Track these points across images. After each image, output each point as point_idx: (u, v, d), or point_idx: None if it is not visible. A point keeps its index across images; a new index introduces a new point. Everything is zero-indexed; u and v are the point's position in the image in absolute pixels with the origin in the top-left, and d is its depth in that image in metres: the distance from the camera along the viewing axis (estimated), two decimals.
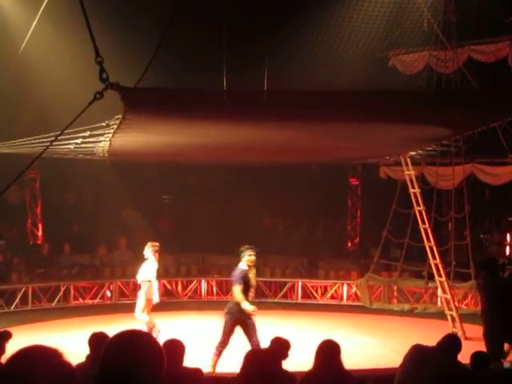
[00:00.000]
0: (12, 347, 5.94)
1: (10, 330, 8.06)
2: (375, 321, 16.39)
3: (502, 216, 19.92)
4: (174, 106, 8.99)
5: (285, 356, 6.88)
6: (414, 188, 15.28)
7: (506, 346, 10.39)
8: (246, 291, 10.72)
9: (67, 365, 2.43)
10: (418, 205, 15.18)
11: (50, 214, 20.25)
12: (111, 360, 2.53)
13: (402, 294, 18.20)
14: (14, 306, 17.00)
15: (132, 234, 19.82)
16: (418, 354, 6.66)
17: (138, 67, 7.34)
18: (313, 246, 20.82)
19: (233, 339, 10.75)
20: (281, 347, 6.92)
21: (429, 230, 15.08)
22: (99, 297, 18.38)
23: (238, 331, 10.79)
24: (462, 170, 17.12)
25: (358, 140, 12.65)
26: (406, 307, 17.69)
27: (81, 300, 18.22)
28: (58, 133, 7.27)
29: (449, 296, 14.95)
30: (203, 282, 19.38)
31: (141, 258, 13.16)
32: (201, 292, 19.34)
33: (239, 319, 10.60)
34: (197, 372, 6.47)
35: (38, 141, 11.16)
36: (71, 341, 11.46)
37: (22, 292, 17.21)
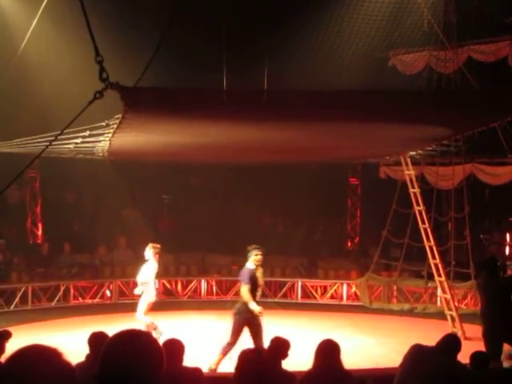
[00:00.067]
0: (12, 347, 5.94)
1: (10, 329, 8.05)
2: (375, 320, 16.40)
3: (501, 216, 19.91)
4: (173, 106, 8.99)
5: (284, 356, 6.88)
6: (413, 188, 15.28)
7: (507, 347, 10.38)
8: (253, 290, 10.75)
9: (67, 364, 2.43)
10: (418, 205, 15.18)
11: (49, 213, 20.26)
12: (111, 359, 2.53)
13: (402, 293, 18.20)
14: (13, 305, 17.00)
15: (132, 233, 19.84)
16: (417, 353, 6.66)
17: (137, 67, 7.34)
18: (312, 246, 20.81)
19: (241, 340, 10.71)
20: (280, 347, 6.92)
21: (429, 230, 15.08)
22: (99, 296, 18.39)
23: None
24: (462, 169, 17.13)
25: (357, 140, 12.64)
26: (406, 307, 17.70)
27: (80, 299, 18.22)
28: (58, 132, 7.27)
29: (448, 296, 14.95)
30: (203, 281, 19.38)
31: (141, 258, 13.16)
32: (200, 292, 19.34)
33: (248, 319, 10.59)
34: (196, 372, 6.47)
35: (37, 140, 11.16)
36: (71, 340, 11.46)
37: (21, 291, 17.21)
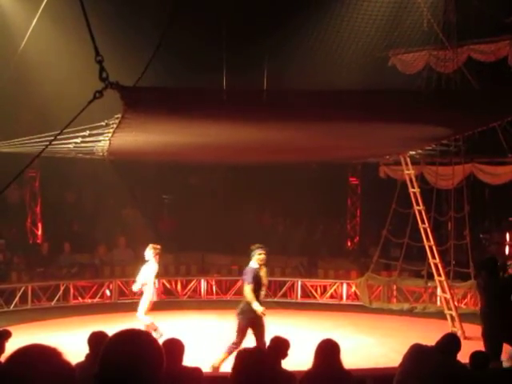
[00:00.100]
0: (11, 346, 5.94)
1: (10, 328, 8.06)
2: (374, 320, 16.39)
3: (501, 216, 19.91)
4: (173, 106, 8.99)
5: (284, 355, 6.89)
6: (413, 187, 15.29)
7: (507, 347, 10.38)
8: (257, 290, 10.79)
9: (66, 364, 2.43)
10: (418, 204, 15.19)
11: (49, 213, 20.25)
12: (111, 359, 2.53)
13: (402, 293, 18.20)
14: (13, 305, 17.00)
15: (132, 233, 19.84)
16: (417, 353, 6.66)
17: (137, 66, 7.34)
18: (312, 246, 20.81)
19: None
20: (280, 346, 6.92)
21: (428, 230, 15.08)
22: (99, 296, 18.38)
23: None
24: (462, 169, 17.13)
25: (357, 139, 12.64)
26: (406, 307, 17.69)
27: (80, 299, 18.21)
28: (58, 132, 7.28)
29: (448, 295, 14.95)
30: (203, 281, 19.38)
31: (141, 257, 13.16)
32: (200, 291, 19.33)
33: (251, 319, 10.59)
34: (196, 371, 6.47)
35: (37, 140, 11.16)
36: (71, 340, 11.46)
37: (21, 291, 17.20)
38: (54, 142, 8.51)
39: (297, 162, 18.27)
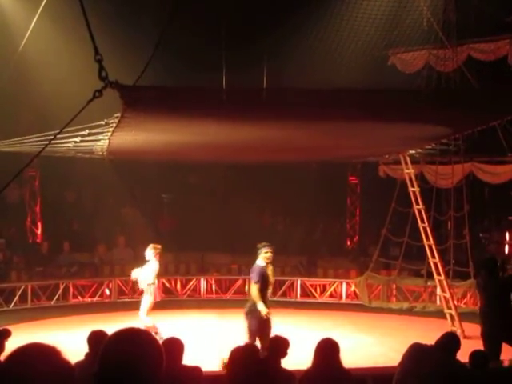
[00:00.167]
0: (11, 345, 5.94)
1: (9, 328, 8.06)
2: (374, 319, 16.39)
3: (501, 215, 19.91)
4: (173, 105, 8.98)
5: (284, 354, 6.88)
6: (413, 187, 15.29)
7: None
8: (264, 288, 10.78)
9: (66, 363, 2.43)
10: (418, 203, 15.19)
11: (49, 212, 20.25)
12: (110, 358, 2.53)
13: (401, 292, 18.20)
14: (13, 304, 17.01)
15: (131, 232, 19.83)
16: (416, 352, 6.66)
17: (137, 65, 7.33)
18: (312, 245, 20.82)
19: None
20: (280, 345, 6.92)
21: (428, 229, 15.09)
22: (98, 295, 18.38)
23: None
24: (462, 168, 17.14)
25: (357, 138, 12.64)
26: (405, 306, 17.70)
27: (80, 298, 18.22)
28: (57, 131, 7.27)
29: (448, 295, 14.95)
30: (202, 280, 19.38)
31: (140, 257, 13.16)
32: (200, 290, 19.34)
33: (261, 317, 10.58)
34: (196, 370, 6.48)
35: (37, 139, 11.16)
36: (70, 339, 11.45)
37: (21, 290, 17.21)
38: (53, 142, 8.52)
39: (296, 161, 18.27)
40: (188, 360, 6.54)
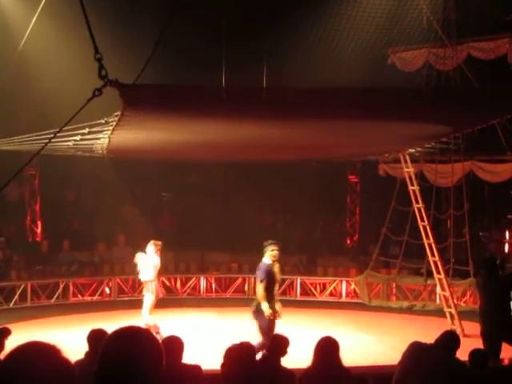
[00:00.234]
0: (11, 344, 5.94)
1: (9, 326, 8.07)
2: (374, 318, 16.40)
3: (501, 214, 19.90)
4: (173, 103, 8.99)
5: (284, 353, 6.88)
6: (413, 185, 15.29)
7: None
8: (271, 286, 10.82)
9: (66, 361, 2.43)
10: (417, 202, 15.19)
11: (49, 210, 20.25)
12: (110, 356, 2.53)
13: (401, 291, 18.21)
14: (13, 302, 17.01)
15: (131, 230, 19.83)
16: (416, 351, 6.66)
17: (137, 64, 7.33)
18: (312, 243, 20.82)
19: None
20: (280, 344, 6.92)
21: (428, 228, 15.09)
22: (98, 293, 18.38)
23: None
24: (462, 167, 17.13)
25: (357, 137, 12.65)
26: (405, 304, 17.71)
27: (80, 297, 18.22)
28: (57, 130, 7.28)
29: (448, 293, 14.96)
30: (202, 279, 19.38)
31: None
32: (200, 289, 19.33)
33: (268, 316, 10.62)
34: (196, 369, 6.48)
35: (37, 138, 11.17)
36: (70, 337, 11.46)
37: (21, 289, 17.22)
38: (53, 140, 8.52)
39: (296, 159, 18.27)
40: (188, 358, 6.54)
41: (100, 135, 10.89)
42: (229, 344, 5.89)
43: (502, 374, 7.34)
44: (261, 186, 20.64)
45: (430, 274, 16.41)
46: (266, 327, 10.59)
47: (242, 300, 17.19)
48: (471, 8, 14.98)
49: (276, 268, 11.00)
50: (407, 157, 15.38)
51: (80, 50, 10.03)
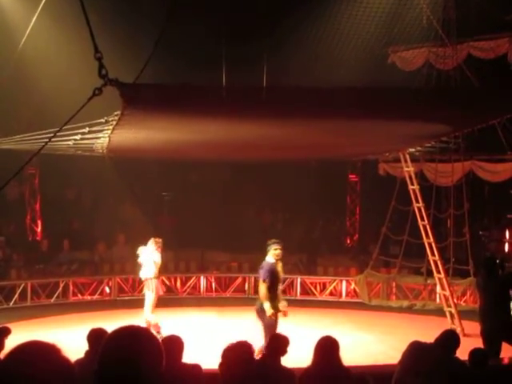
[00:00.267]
0: (11, 343, 5.94)
1: (9, 325, 8.07)
2: (374, 317, 16.40)
3: (501, 213, 19.91)
4: (173, 103, 8.98)
5: (283, 352, 6.88)
6: (413, 185, 15.29)
7: None
8: (274, 284, 10.84)
9: (65, 360, 2.43)
10: (417, 201, 15.19)
11: (49, 210, 20.25)
12: (110, 356, 2.53)
13: (401, 290, 18.21)
14: (12, 302, 17.02)
15: (131, 230, 19.82)
16: (416, 350, 6.66)
17: (137, 63, 7.33)
18: (312, 243, 20.82)
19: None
20: (280, 343, 6.92)
21: (428, 227, 15.09)
22: (98, 293, 18.38)
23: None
24: (462, 166, 17.13)
25: (357, 137, 12.65)
26: (405, 304, 17.71)
27: (80, 296, 18.22)
28: (57, 129, 7.27)
29: (448, 293, 14.96)
30: (202, 278, 19.38)
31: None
32: (200, 288, 19.33)
33: (271, 315, 10.62)
34: (196, 368, 6.47)
35: (37, 137, 11.17)
36: (70, 337, 11.44)
37: (21, 288, 17.22)
38: (53, 139, 8.51)
39: (296, 159, 18.27)
40: (188, 358, 6.54)
41: (100, 134, 10.88)
42: (227, 343, 5.88)
43: (502, 374, 7.34)
44: (261, 185, 20.65)
45: (430, 274, 16.41)
46: (271, 325, 10.60)
47: (242, 299, 17.21)
48: (471, 7, 14.99)
49: (279, 267, 11.04)
50: (407, 156, 15.38)
51: (80, 49, 10.04)
